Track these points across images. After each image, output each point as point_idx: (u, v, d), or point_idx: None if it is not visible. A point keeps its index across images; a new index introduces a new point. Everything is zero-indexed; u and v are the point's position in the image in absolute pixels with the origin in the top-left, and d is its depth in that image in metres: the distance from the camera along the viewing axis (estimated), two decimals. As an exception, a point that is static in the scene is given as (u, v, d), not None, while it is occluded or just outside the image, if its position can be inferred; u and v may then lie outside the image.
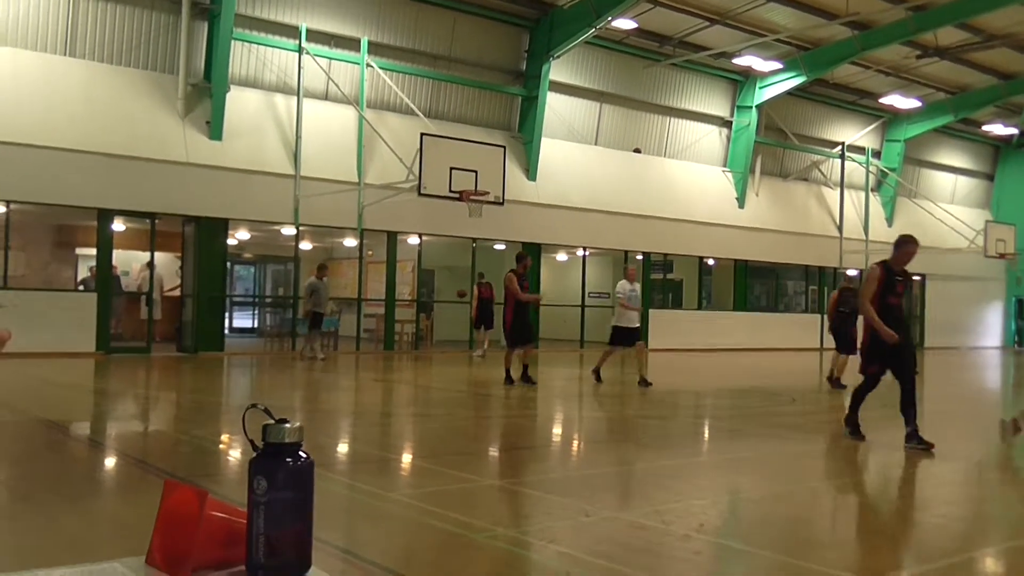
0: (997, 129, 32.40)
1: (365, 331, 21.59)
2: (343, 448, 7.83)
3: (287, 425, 1.91)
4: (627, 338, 13.63)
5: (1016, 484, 7.28)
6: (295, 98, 19.28)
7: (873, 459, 8.32)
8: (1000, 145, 34.54)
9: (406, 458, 7.64)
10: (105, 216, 17.53)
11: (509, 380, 13.07)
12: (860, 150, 30.05)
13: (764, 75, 25.74)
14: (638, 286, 13.98)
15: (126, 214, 18.27)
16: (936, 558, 4.66)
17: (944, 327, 32.17)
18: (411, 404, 12.30)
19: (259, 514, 1.85)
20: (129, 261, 20.91)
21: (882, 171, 30.78)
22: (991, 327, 34.51)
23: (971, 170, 34.53)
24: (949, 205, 32.36)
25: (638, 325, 13.90)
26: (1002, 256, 29.78)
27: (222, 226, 18.75)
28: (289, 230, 19.86)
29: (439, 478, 6.34)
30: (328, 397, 12.68)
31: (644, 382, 13.26)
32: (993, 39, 24.00)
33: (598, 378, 13.70)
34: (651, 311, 24.18)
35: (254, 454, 1.91)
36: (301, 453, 1.96)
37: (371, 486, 6.00)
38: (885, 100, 28.32)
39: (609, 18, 20.49)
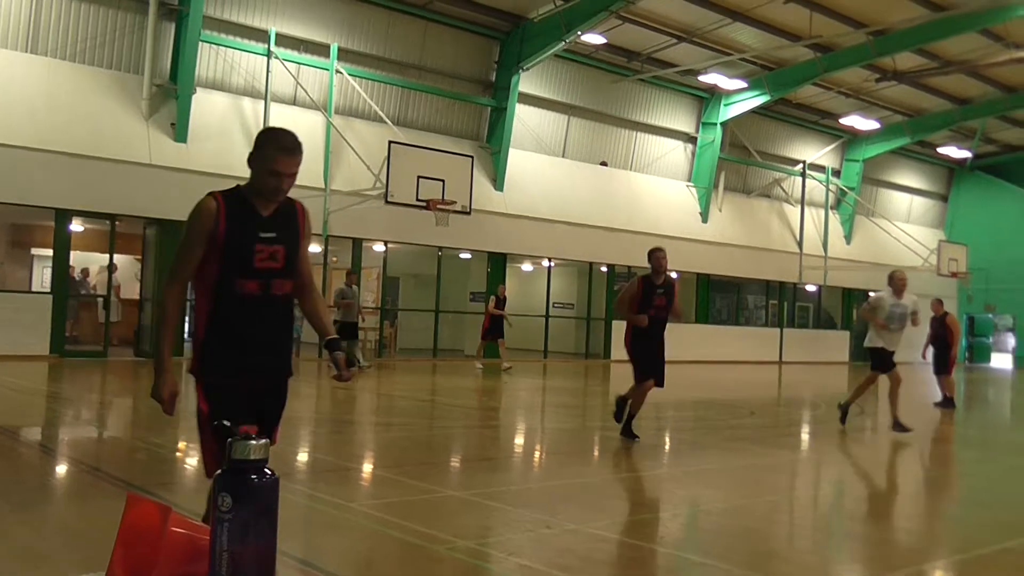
0: (952, 152, 33.12)
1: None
2: (303, 457, 7.78)
3: (253, 442, 1.91)
4: (888, 362, 10.88)
5: (966, 502, 7.42)
6: (263, 102, 19.16)
7: (831, 471, 8.44)
8: (954, 167, 35.30)
9: (367, 468, 7.60)
10: (63, 216, 17.22)
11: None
12: (821, 169, 30.55)
13: (729, 93, 26.09)
14: (911, 299, 10.88)
15: (85, 215, 17.99)
16: (893, 568, 4.74)
17: (900, 341, 32.65)
18: (373, 413, 12.24)
19: (223, 531, 1.84)
20: (87, 263, 20.58)
21: (841, 190, 31.29)
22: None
23: (926, 191, 35.24)
24: (905, 224, 32.97)
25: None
26: (954, 275, 30.37)
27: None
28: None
29: (400, 488, 6.32)
30: (287, 405, 12.52)
31: (899, 426, 10.37)
32: (949, 65, 24.57)
33: (844, 418, 10.92)
34: (614, 323, 24.32)
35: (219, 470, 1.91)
36: (266, 470, 1.96)
37: (332, 496, 5.96)
38: (845, 121, 28.84)
39: (579, 32, 20.64)
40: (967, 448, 11.32)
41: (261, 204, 3.34)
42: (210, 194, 3.30)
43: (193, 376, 3.36)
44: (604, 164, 25.60)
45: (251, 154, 3.30)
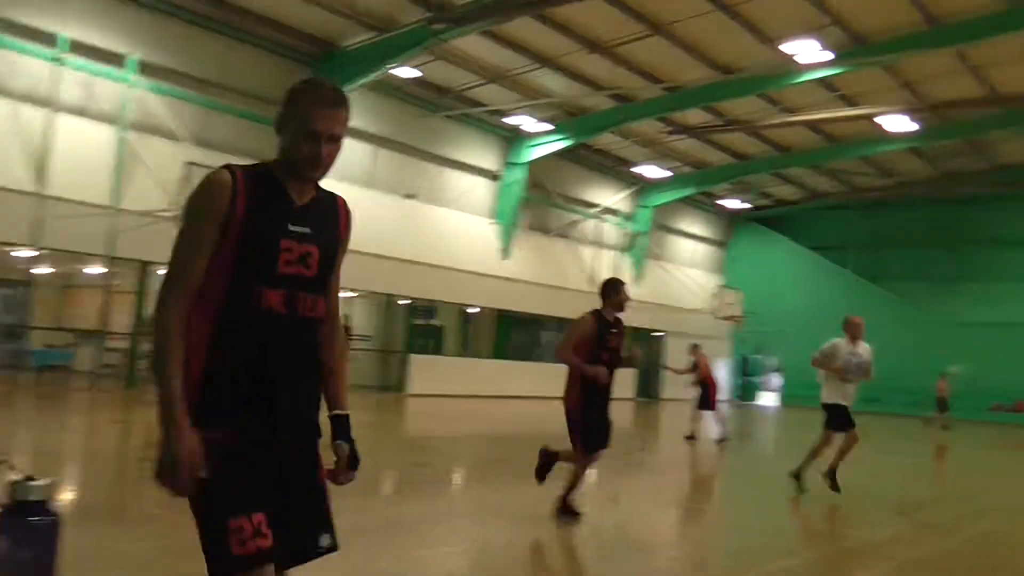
0: (732, 203, 36.01)
1: (105, 366, 20.11)
2: (66, 495, 7.30)
3: (35, 483, 1.86)
4: (846, 420, 9.39)
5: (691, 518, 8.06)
6: (47, 110, 17.82)
7: (601, 503, 8.89)
8: (733, 217, 38.28)
9: (134, 505, 7.24)
10: None
11: None
12: (615, 212, 32.20)
13: (534, 135, 27.07)
14: (865, 349, 9.39)
15: None
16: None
17: (680, 381, 34.75)
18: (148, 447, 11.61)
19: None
20: None
21: (633, 234, 33.11)
22: (721, 382, 37.75)
23: (709, 238, 37.97)
24: (689, 269, 35.34)
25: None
26: (730, 318, 32.82)
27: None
28: (26, 251, 18.20)
29: (168, 526, 6.08)
30: (53, 439, 11.68)
31: (833, 479, 9.30)
32: (732, 124, 26.75)
33: (799, 483, 9.49)
34: (412, 356, 24.45)
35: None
36: (48, 511, 1.91)
37: (99, 536, 5.65)
38: (639, 169, 30.67)
39: (393, 65, 20.78)
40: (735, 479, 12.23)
41: (293, 187, 2.53)
42: (224, 166, 2.46)
43: None
44: (411, 197, 25.76)
45: (279, 115, 2.50)
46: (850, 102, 25.24)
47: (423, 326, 27.45)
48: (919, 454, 18.52)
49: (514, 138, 27.71)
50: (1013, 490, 12.55)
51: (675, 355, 34.66)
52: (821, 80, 23.20)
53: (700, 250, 37.52)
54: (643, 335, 33.56)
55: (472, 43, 21.53)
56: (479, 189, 27.86)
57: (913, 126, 25.52)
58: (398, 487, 8.97)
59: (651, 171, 30.80)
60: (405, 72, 22.05)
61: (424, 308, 26.90)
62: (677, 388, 34.53)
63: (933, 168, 32.63)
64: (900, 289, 34.26)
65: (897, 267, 35.54)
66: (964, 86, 24.20)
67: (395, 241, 24.50)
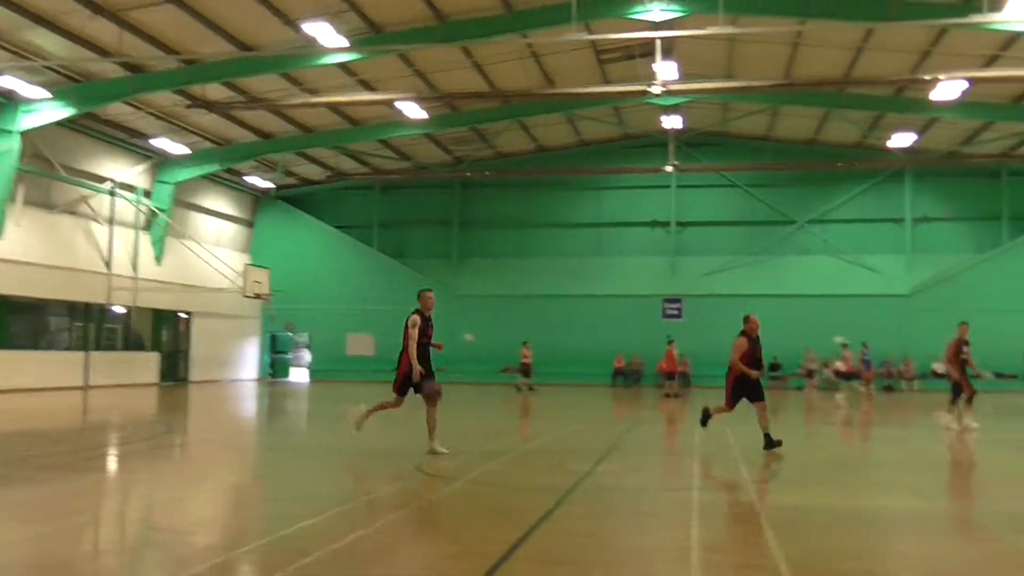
0: (257, 181, 35.83)
1: None
2: None
3: None
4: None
5: (269, 499, 8.27)
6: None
7: (142, 489, 8.56)
8: (260, 196, 38.12)
9: None
10: None
11: None
12: (132, 188, 30.16)
13: (30, 101, 24.11)
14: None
15: None
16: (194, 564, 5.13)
17: (208, 362, 34.08)
18: None
19: None
20: None
21: (153, 211, 31.32)
22: (249, 361, 37.62)
23: (235, 216, 37.30)
24: (215, 247, 34.46)
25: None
26: (258, 296, 32.79)
27: None
28: None
29: None
30: None
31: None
32: (255, 101, 26.56)
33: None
34: None
35: None
36: None
37: None
38: (156, 142, 29.08)
39: None
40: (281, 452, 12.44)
41: None
42: None
43: None
44: None
45: None
46: (369, 87, 26.62)
47: None
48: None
49: (6, 103, 24.43)
50: (511, 436, 14.48)
51: (201, 336, 33.74)
52: (343, 65, 24.12)
53: (226, 228, 36.71)
54: (167, 317, 32.07)
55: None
56: (-36, 158, 24.19)
57: (424, 114, 27.75)
58: None
59: (171, 146, 29.38)
60: None
61: None
62: (206, 370, 33.72)
63: (446, 153, 35.80)
64: (421, 265, 37.07)
65: (418, 245, 38.36)
66: (470, 80, 26.94)
67: None
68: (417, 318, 10.50)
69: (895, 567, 5.87)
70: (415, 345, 10.39)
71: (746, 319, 11.80)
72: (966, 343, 15.26)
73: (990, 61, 23.62)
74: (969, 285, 32.71)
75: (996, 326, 29.53)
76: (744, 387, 11.50)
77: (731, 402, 11.68)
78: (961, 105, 26.69)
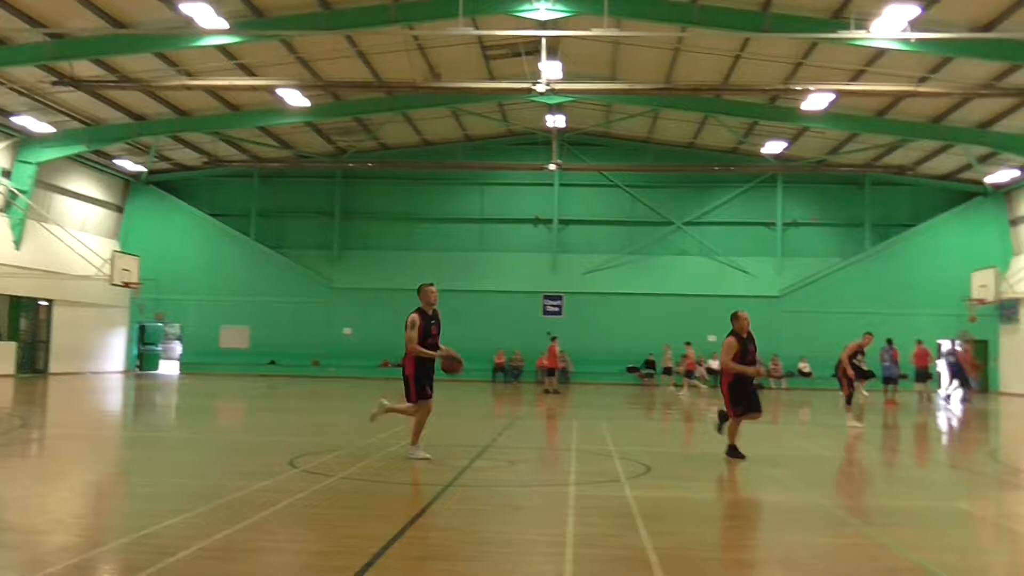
0: (128, 165, 34.23)
1: None
2: None
3: None
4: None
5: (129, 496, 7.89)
6: None
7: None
8: (131, 180, 36.43)
9: None
10: None
11: None
12: (-11, 168, 28.35)
13: None
14: None
15: None
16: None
17: (70, 353, 32.35)
18: None
19: None
20: None
21: (12, 192, 29.52)
22: (115, 352, 35.91)
23: (104, 201, 35.51)
24: (80, 233, 32.76)
25: None
26: (127, 285, 31.39)
27: None
28: None
29: None
30: None
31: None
32: (127, 81, 25.37)
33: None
34: None
35: None
36: None
37: None
38: (18, 120, 27.44)
39: None
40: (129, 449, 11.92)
41: None
42: None
43: None
44: None
45: None
46: (250, 72, 25.84)
47: None
48: (305, 410, 19.92)
49: None
50: (388, 432, 14.35)
51: (64, 325, 32.02)
52: (222, 47, 23.31)
53: (93, 213, 34.91)
54: (26, 304, 30.29)
55: None
56: None
57: (306, 102, 27.12)
58: None
59: (34, 124, 27.76)
60: None
61: None
62: (68, 362, 32.00)
63: (328, 143, 35.12)
64: (300, 257, 36.23)
65: (297, 235, 37.41)
66: (354, 69, 26.50)
67: None
68: (417, 317, 9.56)
69: (762, 557, 6.10)
70: (417, 347, 9.46)
71: (734, 316, 10.57)
72: (863, 352, 16.50)
73: (856, 75, 24.87)
74: (833, 288, 34.46)
75: (857, 327, 31.14)
76: (742, 390, 10.49)
77: (733, 409, 10.55)
78: (829, 116, 28.06)
